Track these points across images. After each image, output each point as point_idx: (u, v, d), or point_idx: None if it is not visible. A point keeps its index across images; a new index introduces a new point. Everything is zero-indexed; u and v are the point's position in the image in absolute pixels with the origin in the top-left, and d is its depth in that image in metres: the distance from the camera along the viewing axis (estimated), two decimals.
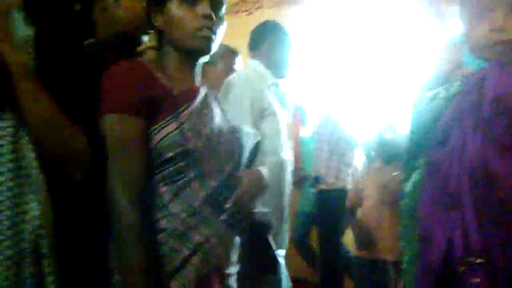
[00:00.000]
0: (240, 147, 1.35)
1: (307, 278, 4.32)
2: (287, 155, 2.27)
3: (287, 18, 4.44)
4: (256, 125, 2.06)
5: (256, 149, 1.38)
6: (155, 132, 1.18)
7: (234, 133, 1.37)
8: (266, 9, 4.65)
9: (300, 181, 4.21)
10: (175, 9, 1.24)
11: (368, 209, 2.85)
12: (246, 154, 1.35)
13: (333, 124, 3.98)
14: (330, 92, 4.22)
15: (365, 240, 2.77)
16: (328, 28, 4.54)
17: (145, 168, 1.17)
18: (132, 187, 1.13)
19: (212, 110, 1.32)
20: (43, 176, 0.95)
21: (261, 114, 2.13)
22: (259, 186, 1.34)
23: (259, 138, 1.39)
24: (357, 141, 3.85)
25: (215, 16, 1.25)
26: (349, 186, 3.69)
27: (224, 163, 1.27)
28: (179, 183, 1.19)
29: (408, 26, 3.96)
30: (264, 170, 1.40)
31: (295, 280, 2.36)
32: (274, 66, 2.33)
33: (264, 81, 2.27)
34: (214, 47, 1.28)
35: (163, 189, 1.19)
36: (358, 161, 3.86)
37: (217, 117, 1.33)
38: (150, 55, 1.37)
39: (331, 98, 4.16)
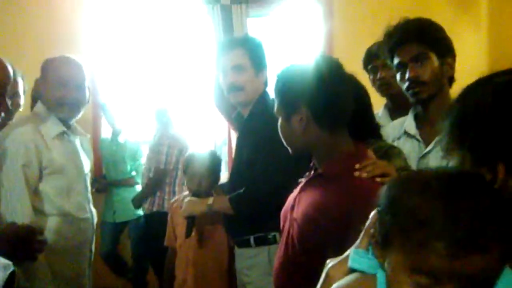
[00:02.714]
0: None
1: None
2: (81, 211, 2.02)
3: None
4: (35, 186, 1.88)
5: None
6: None
7: None
8: None
9: (103, 188, 3.89)
10: None
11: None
12: None
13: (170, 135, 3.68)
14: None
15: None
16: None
17: None
18: None
19: None
20: None
21: (39, 175, 1.88)
22: None
23: (11, 268, 1.05)
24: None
25: None
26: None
27: None
28: None
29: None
30: None
31: None
32: (57, 107, 1.96)
33: (48, 132, 1.92)
34: None
35: None
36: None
37: None
38: None
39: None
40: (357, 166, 1.28)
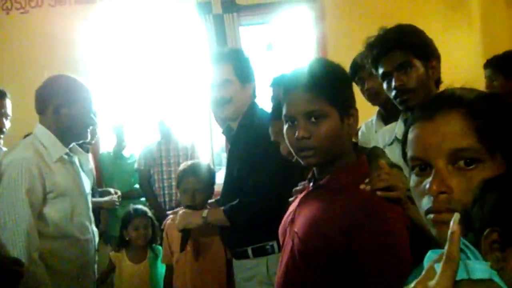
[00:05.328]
0: None
1: None
2: (83, 232, 1.97)
3: (72, 17, 3.92)
4: (39, 211, 1.83)
5: None
6: None
7: None
8: (47, 7, 3.95)
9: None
10: None
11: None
12: None
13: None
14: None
15: None
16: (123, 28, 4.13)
17: None
18: None
19: None
20: None
21: (43, 198, 1.84)
22: None
23: None
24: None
25: None
26: None
27: None
28: None
29: None
30: None
31: None
32: (65, 133, 1.94)
33: (49, 155, 1.89)
34: None
35: None
36: None
37: None
38: None
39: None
40: (366, 180, 1.22)
